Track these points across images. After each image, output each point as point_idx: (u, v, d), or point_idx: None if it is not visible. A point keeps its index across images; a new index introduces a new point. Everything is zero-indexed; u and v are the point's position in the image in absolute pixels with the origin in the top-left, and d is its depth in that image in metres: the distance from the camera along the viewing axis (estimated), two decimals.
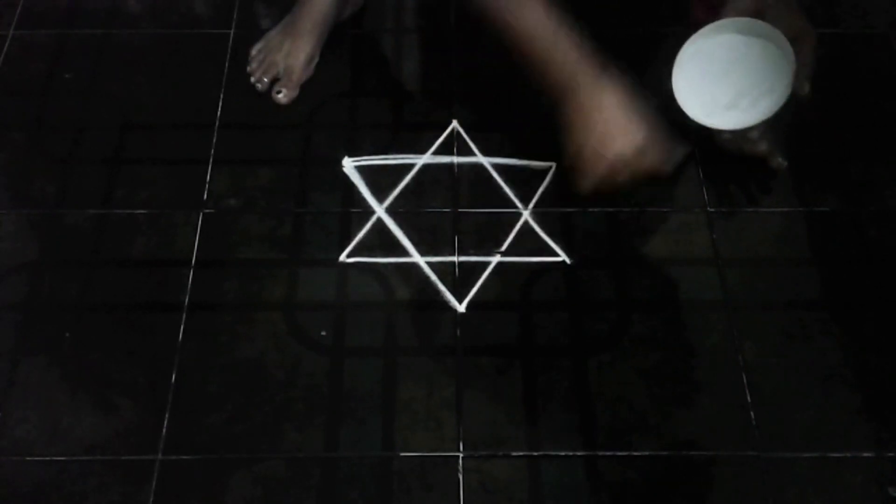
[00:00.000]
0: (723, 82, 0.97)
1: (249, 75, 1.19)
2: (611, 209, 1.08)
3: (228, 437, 0.92)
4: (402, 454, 0.91)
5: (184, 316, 1.00)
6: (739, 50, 0.94)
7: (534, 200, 1.09)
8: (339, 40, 1.23)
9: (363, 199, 1.09)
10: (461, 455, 0.91)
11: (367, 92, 1.19)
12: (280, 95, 1.17)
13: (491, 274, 1.03)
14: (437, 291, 1.02)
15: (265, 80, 1.18)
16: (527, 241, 1.06)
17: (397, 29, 1.27)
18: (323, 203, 1.09)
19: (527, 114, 1.17)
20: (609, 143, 0.89)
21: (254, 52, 1.20)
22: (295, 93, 1.18)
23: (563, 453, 0.92)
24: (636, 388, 0.96)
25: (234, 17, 1.26)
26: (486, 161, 1.12)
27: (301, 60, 1.18)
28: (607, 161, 0.90)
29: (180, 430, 0.93)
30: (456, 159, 1.12)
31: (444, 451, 0.92)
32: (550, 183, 1.10)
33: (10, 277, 1.03)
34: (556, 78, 0.89)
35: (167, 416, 0.93)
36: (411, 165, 1.12)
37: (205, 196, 1.09)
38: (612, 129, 0.89)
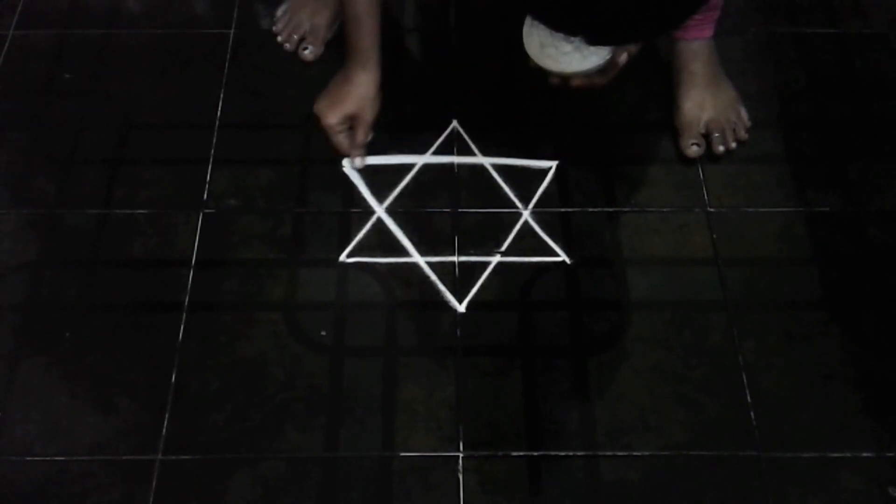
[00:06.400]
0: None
1: (276, 35, 1.23)
2: (611, 209, 1.08)
3: (228, 437, 0.92)
4: (402, 454, 0.92)
5: (184, 316, 1.00)
6: None
7: (534, 200, 1.09)
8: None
9: (363, 199, 1.09)
10: (461, 455, 0.91)
11: None
12: (307, 52, 1.22)
13: (491, 274, 1.03)
14: (437, 291, 1.02)
15: (294, 37, 1.22)
16: (527, 241, 1.06)
17: (397, 29, 1.27)
18: (323, 203, 1.09)
19: (527, 114, 1.17)
20: (318, 107, 1.10)
21: (279, 13, 1.25)
22: (320, 50, 1.22)
23: (563, 453, 0.92)
24: (636, 388, 0.96)
25: (234, 17, 1.26)
26: (486, 161, 1.12)
27: (326, 18, 1.22)
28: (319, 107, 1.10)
29: (180, 430, 0.93)
30: (456, 159, 1.12)
31: (444, 451, 0.92)
32: (550, 183, 1.10)
33: (10, 277, 1.03)
34: (347, 45, 1.09)
35: (167, 416, 0.93)
36: (411, 165, 1.12)
37: (205, 196, 1.09)
38: (327, 103, 1.10)
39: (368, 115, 1.09)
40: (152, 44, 1.24)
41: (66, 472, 0.90)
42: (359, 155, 1.11)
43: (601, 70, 0.99)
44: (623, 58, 0.98)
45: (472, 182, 1.11)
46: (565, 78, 1.01)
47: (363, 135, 1.10)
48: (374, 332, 0.99)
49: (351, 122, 1.10)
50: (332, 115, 1.09)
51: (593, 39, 0.92)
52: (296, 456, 0.91)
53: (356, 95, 1.08)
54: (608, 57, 0.98)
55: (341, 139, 1.10)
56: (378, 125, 1.15)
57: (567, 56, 1.01)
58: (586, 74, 1.00)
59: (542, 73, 1.01)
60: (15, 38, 1.24)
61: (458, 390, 0.95)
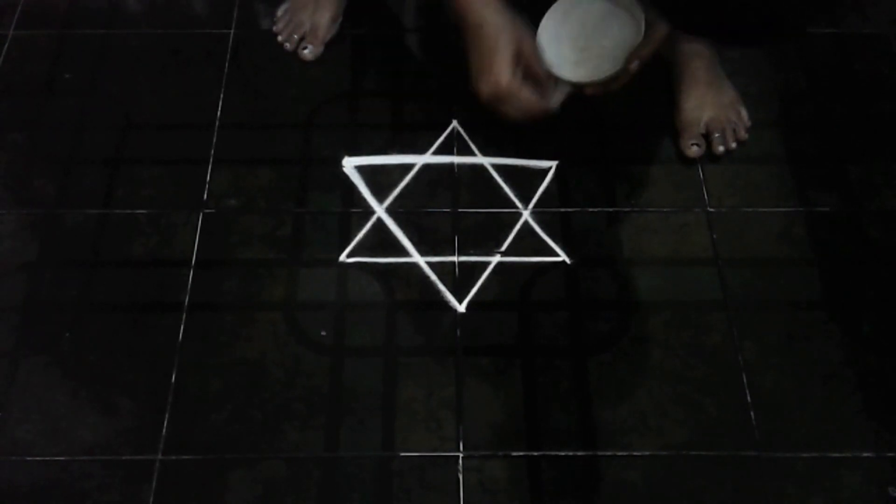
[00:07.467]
0: (578, 40, 1.03)
1: (276, 35, 1.23)
2: (611, 209, 1.08)
3: (228, 437, 0.92)
4: (402, 454, 0.92)
5: (184, 316, 1.00)
6: (603, 16, 1.03)
7: (534, 200, 1.09)
8: (339, 40, 1.24)
9: (363, 199, 1.09)
10: (461, 455, 0.92)
11: (367, 92, 1.19)
12: (306, 52, 1.21)
13: (491, 274, 1.03)
14: (437, 291, 1.02)
15: (294, 37, 1.22)
16: (527, 241, 1.06)
17: (397, 29, 1.27)
18: (323, 203, 1.09)
19: None
20: (479, 85, 0.98)
21: (280, 12, 1.25)
22: (320, 50, 1.22)
23: (563, 453, 0.92)
24: (636, 388, 0.96)
25: (234, 17, 1.26)
26: (486, 161, 1.12)
27: (326, 18, 1.22)
28: (482, 100, 0.99)
29: (180, 430, 0.93)
30: (456, 159, 1.12)
31: (444, 451, 0.92)
32: (550, 183, 1.10)
33: (10, 277, 1.03)
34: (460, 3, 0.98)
35: (167, 416, 0.93)
36: (411, 165, 1.12)
37: (205, 196, 1.09)
38: (482, 71, 0.97)
39: (530, 47, 0.98)
40: (152, 44, 1.24)
41: (66, 472, 0.90)
42: (560, 98, 1.01)
43: (615, 77, 1.00)
44: (635, 65, 0.98)
45: (472, 182, 1.11)
46: (579, 87, 1.01)
47: (544, 75, 1.00)
48: (374, 332, 0.99)
49: (524, 71, 0.97)
50: (503, 74, 0.95)
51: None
52: (296, 456, 0.91)
53: (502, 33, 0.95)
54: (621, 65, 0.99)
55: (528, 96, 0.98)
56: (378, 125, 1.16)
57: (581, 66, 1.01)
58: (600, 83, 1.00)
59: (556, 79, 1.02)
60: (15, 38, 1.24)
61: (458, 390, 0.95)
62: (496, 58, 0.95)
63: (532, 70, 0.98)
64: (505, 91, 0.97)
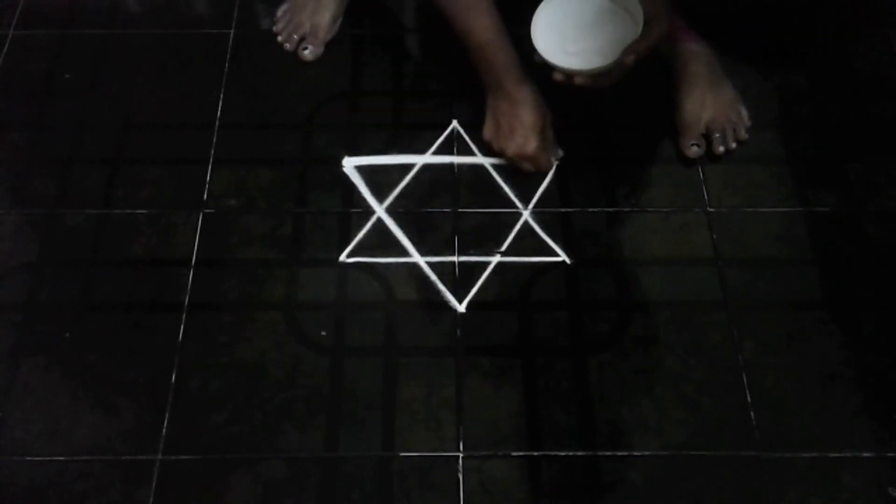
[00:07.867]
0: (573, 32, 1.05)
1: (276, 35, 1.23)
2: (611, 209, 1.08)
3: (228, 437, 0.92)
4: (402, 454, 0.92)
5: (184, 316, 1.00)
6: (600, 11, 1.05)
7: (534, 200, 1.09)
8: (339, 40, 1.24)
9: (363, 199, 1.09)
10: (461, 455, 0.92)
11: (367, 92, 1.19)
12: (307, 52, 1.21)
13: (491, 274, 1.03)
14: (437, 291, 1.02)
15: (294, 37, 1.22)
16: (527, 241, 1.06)
17: (397, 29, 1.27)
18: (323, 203, 1.09)
19: None
20: (506, 144, 1.08)
21: (280, 13, 1.25)
22: (320, 50, 1.22)
23: (563, 453, 0.92)
24: (636, 388, 0.96)
25: (234, 17, 1.26)
26: (486, 161, 1.12)
27: (326, 18, 1.22)
28: (505, 155, 1.09)
29: (180, 430, 0.93)
30: (456, 159, 1.12)
31: (444, 451, 0.92)
32: (550, 183, 1.10)
33: (10, 277, 1.03)
34: (487, 75, 1.07)
35: (167, 416, 0.93)
36: (411, 165, 1.12)
37: (205, 196, 1.09)
38: (512, 134, 1.07)
39: (550, 119, 1.09)
40: (152, 44, 1.24)
41: (66, 472, 0.90)
42: (557, 159, 1.12)
43: (607, 71, 1.00)
44: (630, 59, 0.99)
45: (472, 182, 1.11)
46: (569, 75, 1.01)
47: (553, 139, 1.11)
48: (374, 332, 0.99)
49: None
50: (529, 142, 1.07)
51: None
52: (296, 456, 0.91)
53: (533, 110, 1.06)
54: (615, 59, 0.99)
55: (545, 157, 1.09)
56: (378, 125, 1.16)
57: (574, 55, 1.01)
58: (591, 74, 1.00)
59: (546, 69, 1.01)
60: (15, 38, 1.24)
61: (458, 390, 0.95)
62: (528, 129, 1.06)
63: (544, 135, 1.09)
64: (529, 155, 1.08)
